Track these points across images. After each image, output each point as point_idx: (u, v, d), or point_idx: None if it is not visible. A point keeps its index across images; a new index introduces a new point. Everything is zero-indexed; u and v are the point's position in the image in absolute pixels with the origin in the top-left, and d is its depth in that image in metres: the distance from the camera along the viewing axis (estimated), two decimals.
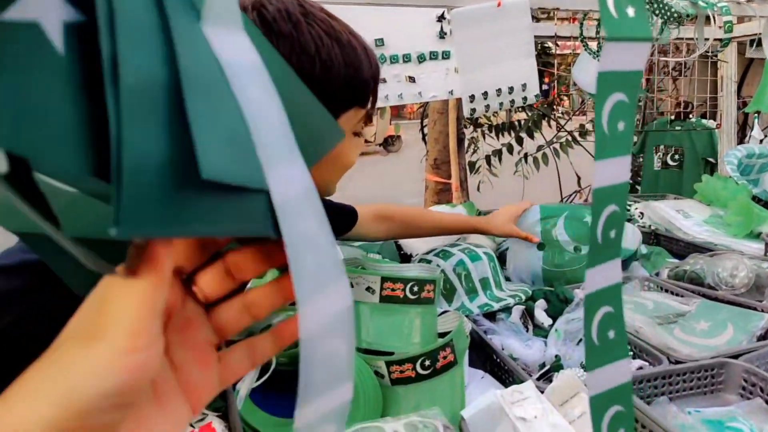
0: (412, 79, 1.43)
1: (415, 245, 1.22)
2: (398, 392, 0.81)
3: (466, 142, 3.32)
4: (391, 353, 0.84)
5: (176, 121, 0.20)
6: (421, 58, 1.42)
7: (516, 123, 3.26)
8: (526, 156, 3.19)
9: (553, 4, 1.46)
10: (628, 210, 1.57)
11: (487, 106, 1.38)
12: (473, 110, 1.37)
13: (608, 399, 0.42)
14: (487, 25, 1.36)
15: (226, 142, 0.21)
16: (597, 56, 1.38)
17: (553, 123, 3.28)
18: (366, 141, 5.63)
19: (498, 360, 0.89)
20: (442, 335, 0.92)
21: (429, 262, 1.08)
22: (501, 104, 1.39)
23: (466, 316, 1.00)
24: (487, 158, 3.12)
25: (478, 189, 3.18)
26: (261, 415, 0.81)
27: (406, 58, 1.43)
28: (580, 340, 0.91)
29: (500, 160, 3.21)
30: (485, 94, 1.39)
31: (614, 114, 0.39)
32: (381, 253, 1.20)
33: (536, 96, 1.43)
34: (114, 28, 0.19)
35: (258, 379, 0.82)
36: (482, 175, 3.30)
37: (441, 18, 1.41)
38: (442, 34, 1.42)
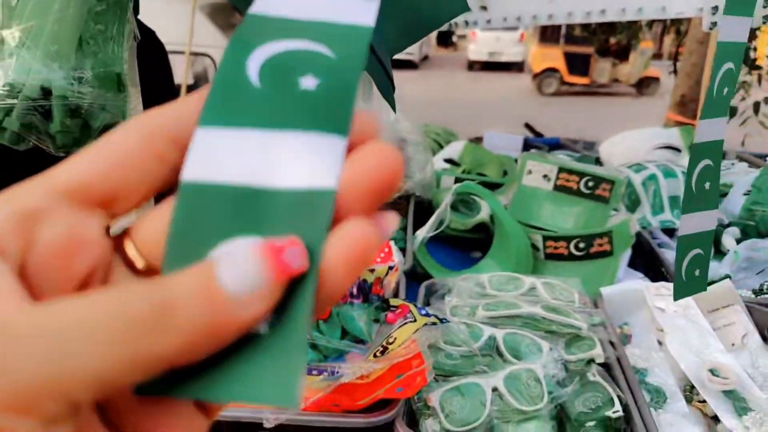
0: None
1: (612, 157, 1.22)
2: (549, 267, 0.90)
3: (736, 86, 2.86)
4: None
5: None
6: None
7: None
8: None
9: None
10: None
11: None
12: (713, 24, 1.23)
13: (693, 242, 0.47)
14: None
15: None
16: None
17: None
18: (616, 80, 5.18)
19: (663, 270, 0.90)
20: None
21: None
22: (764, 19, 1.20)
23: (644, 228, 1.01)
24: (755, 105, 2.66)
25: (743, 143, 2.71)
26: (430, 260, 0.99)
27: None
28: (762, 270, 0.86)
29: None
30: None
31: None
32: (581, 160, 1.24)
33: None
34: None
35: (435, 230, 0.99)
36: (750, 126, 2.81)
37: None
38: None
